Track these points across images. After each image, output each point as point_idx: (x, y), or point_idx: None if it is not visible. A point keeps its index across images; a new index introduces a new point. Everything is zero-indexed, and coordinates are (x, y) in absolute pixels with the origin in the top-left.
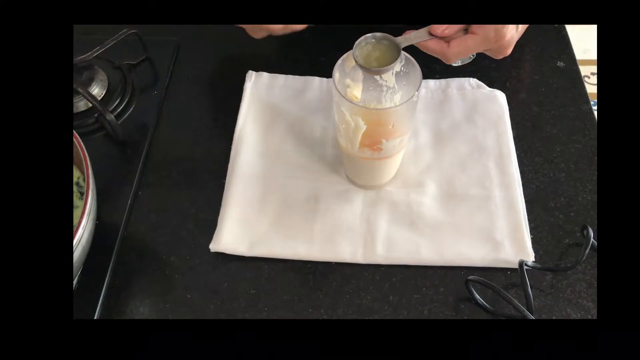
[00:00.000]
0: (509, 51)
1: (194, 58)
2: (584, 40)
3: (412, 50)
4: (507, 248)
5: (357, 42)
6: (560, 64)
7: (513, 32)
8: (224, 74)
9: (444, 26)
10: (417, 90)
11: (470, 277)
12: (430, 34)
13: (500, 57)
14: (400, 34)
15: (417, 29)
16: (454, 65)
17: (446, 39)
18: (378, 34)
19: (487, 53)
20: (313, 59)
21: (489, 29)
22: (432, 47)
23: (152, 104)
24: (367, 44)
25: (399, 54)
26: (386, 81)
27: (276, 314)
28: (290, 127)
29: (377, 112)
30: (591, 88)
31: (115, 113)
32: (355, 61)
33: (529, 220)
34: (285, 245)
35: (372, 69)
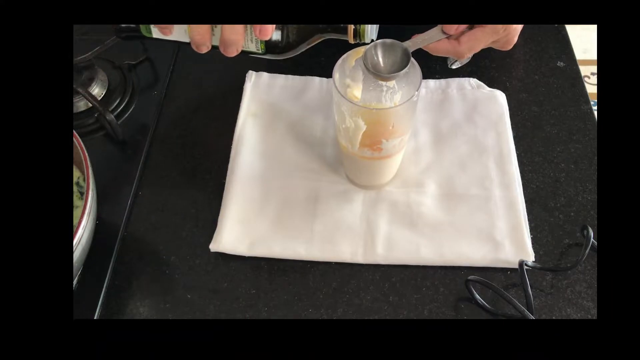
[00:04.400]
0: (515, 40)
1: (194, 58)
2: (584, 40)
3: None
4: (507, 248)
5: (366, 49)
6: (560, 64)
7: None
8: (224, 74)
9: (456, 25)
10: (417, 90)
11: (470, 277)
12: (443, 32)
13: (508, 47)
14: (397, 34)
15: (420, 30)
16: (453, 67)
17: (454, 37)
18: (387, 41)
19: (495, 46)
20: (313, 59)
21: None
22: (444, 47)
23: (152, 104)
24: (376, 50)
25: (408, 59)
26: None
27: (276, 314)
28: (290, 127)
29: (377, 112)
30: (591, 88)
31: (115, 113)
32: (367, 69)
33: (529, 220)
34: (285, 245)
35: (383, 75)
